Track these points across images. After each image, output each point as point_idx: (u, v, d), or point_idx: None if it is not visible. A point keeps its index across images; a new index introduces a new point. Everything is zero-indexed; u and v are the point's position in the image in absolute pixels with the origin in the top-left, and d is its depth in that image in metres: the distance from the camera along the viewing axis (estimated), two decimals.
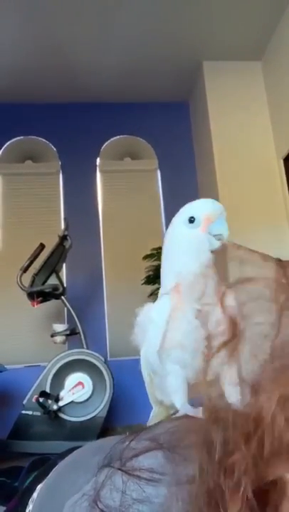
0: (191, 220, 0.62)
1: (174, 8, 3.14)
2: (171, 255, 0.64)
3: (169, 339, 0.59)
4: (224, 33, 3.42)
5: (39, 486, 0.59)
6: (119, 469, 0.31)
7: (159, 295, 0.68)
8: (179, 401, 0.57)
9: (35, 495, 0.59)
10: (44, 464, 0.79)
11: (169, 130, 4.12)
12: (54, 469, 0.56)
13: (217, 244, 0.63)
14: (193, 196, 3.33)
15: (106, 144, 4.05)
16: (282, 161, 3.43)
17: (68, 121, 4.02)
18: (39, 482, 0.63)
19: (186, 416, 0.46)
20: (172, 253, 0.64)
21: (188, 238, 0.62)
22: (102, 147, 4.04)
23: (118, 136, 4.07)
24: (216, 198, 3.48)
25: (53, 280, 3.02)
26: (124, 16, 3.17)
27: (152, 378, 0.65)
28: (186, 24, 3.31)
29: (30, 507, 0.58)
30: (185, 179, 4.02)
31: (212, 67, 3.72)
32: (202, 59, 3.69)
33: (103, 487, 0.31)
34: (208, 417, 0.31)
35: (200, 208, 0.62)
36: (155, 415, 0.67)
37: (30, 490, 0.63)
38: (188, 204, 0.66)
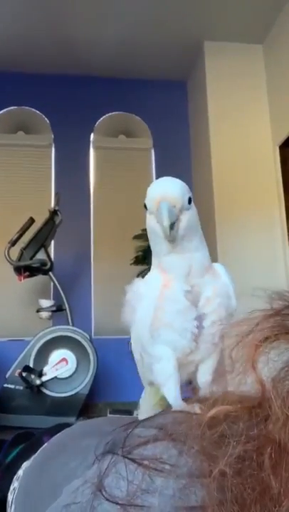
0: (145, 207, 0.60)
1: None
2: (150, 235, 0.62)
3: (159, 318, 0.58)
4: (227, 14, 3.35)
5: (25, 464, 0.59)
6: (125, 457, 0.30)
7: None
8: (172, 394, 0.55)
9: (20, 472, 0.58)
10: (28, 439, 0.78)
11: (165, 109, 4.05)
12: (41, 449, 0.55)
13: (164, 233, 0.57)
14: (187, 178, 3.31)
15: (101, 119, 3.97)
16: (278, 148, 3.41)
17: (64, 94, 3.93)
18: (24, 458, 0.62)
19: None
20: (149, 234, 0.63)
21: (148, 224, 0.61)
22: (97, 123, 3.96)
23: (114, 113, 3.99)
24: (210, 182, 3.46)
25: (41, 255, 2.99)
26: None
27: (143, 358, 0.64)
28: (188, 3, 3.22)
29: (15, 484, 0.58)
30: (179, 160, 3.98)
31: (213, 47, 3.65)
32: (203, 39, 3.61)
33: (107, 475, 0.30)
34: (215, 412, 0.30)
35: (150, 195, 0.60)
36: (147, 395, 0.66)
37: (15, 465, 0.63)
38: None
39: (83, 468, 0.33)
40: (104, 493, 0.29)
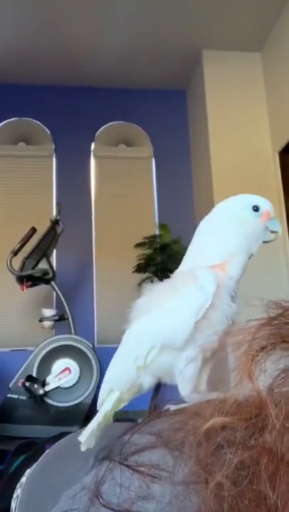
0: (255, 208, 0.63)
1: None
2: (222, 233, 0.64)
3: (207, 317, 0.55)
4: (225, 23, 3.38)
5: (27, 471, 0.59)
6: (121, 463, 0.31)
7: (194, 266, 0.64)
8: (188, 390, 0.55)
9: (23, 480, 0.58)
10: (31, 449, 0.78)
11: (165, 118, 4.08)
12: (43, 456, 0.55)
13: (272, 237, 0.64)
14: (187, 185, 3.34)
15: (101, 129, 4.00)
16: (277, 155, 3.42)
17: (64, 105, 3.97)
18: (27, 467, 0.62)
19: (183, 410, 0.45)
20: (225, 231, 0.64)
21: (249, 223, 0.63)
22: (97, 132, 3.99)
23: (114, 122, 4.02)
24: (210, 189, 3.47)
25: (43, 265, 3.00)
26: (125, 2, 3.11)
27: (150, 353, 0.58)
28: (187, 12, 3.26)
29: (18, 491, 0.58)
30: (179, 168, 4.00)
31: (211, 56, 3.69)
32: (202, 47, 3.65)
33: (104, 481, 0.30)
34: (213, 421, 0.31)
35: (264, 201, 0.65)
36: (116, 400, 0.61)
37: (18, 474, 0.63)
38: (247, 194, 0.67)
39: (83, 473, 0.33)
40: (100, 499, 0.29)
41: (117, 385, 0.59)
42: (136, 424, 0.37)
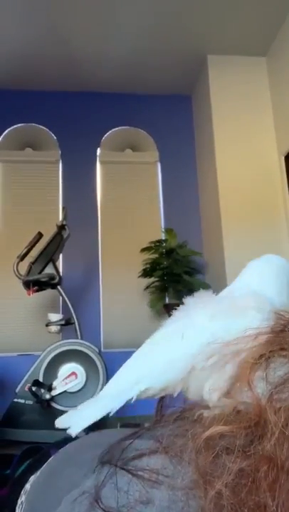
0: None
1: (181, 2, 3.11)
2: (273, 288, 0.60)
3: None
4: (230, 28, 3.39)
5: (32, 477, 0.59)
6: (122, 468, 0.31)
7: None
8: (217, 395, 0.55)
9: (28, 486, 0.59)
10: (37, 453, 0.79)
11: (170, 123, 4.09)
12: (47, 462, 0.56)
13: None
14: (193, 190, 3.34)
15: (107, 134, 4.02)
16: (283, 158, 3.42)
17: (70, 110, 3.99)
18: (32, 472, 0.63)
19: (184, 416, 0.45)
20: (277, 287, 0.61)
21: None
22: (103, 138, 4.01)
23: (119, 127, 4.04)
24: (216, 193, 3.47)
25: (49, 269, 3.01)
26: (129, 7, 3.14)
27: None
28: (191, 17, 3.28)
29: (22, 498, 0.58)
30: (185, 173, 4.01)
31: (216, 61, 3.69)
32: (207, 53, 3.66)
33: (104, 486, 0.30)
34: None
35: None
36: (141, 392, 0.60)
37: (23, 479, 0.63)
38: None
39: (86, 479, 0.34)
40: (100, 504, 0.29)
41: (155, 381, 0.56)
42: (137, 430, 0.37)
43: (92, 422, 0.50)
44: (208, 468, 0.28)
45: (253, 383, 0.31)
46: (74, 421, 0.53)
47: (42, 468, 0.57)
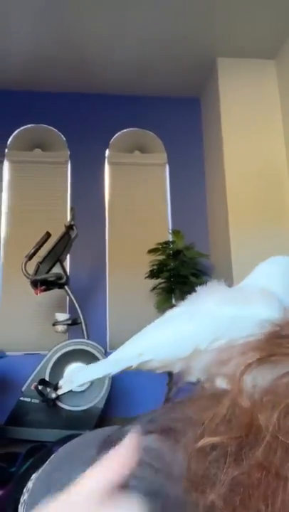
0: None
1: (190, 4, 3.11)
2: (280, 287, 0.63)
3: None
4: (239, 31, 3.39)
5: (34, 475, 0.60)
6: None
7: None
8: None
9: (30, 485, 0.60)
10: (40, 451, 0.79)
11: (179, 125, 4.10)
12: (49, 460, 0.57)
13: None
14: (201, 192, 3.33)
15: (116, 135, 4.04)
16: None
17: (79, 112, 4.01)
18: (34, 470, 0.64)
19: (178, 404, 0.45)
20: (283, 287, 0.63)
21: None
22: (112, 139, 4.03)
23: (128, 129, 4.05)
24: (224, 196, 3.47)
25: (57, 269, 3.03)
26: (139, 10, 3.15)
27: (214, 343, 0.58)
28: (201, 20, 3.28)
29: (25, 496, 0.59)
30: (193, 175, 4.01)
31: (226, 64, 3.69)
32: (216, 55, 3.66)
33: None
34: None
35: None
36: (142, 363, 0.62)
37: (25, 477, 0.64)
38: None
39: None
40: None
41: (158, 354, 0.58)
42: (137, 417, 0.37)
43: (92, 379, 0.52)
44: (200, 480, 0.28)
45: (244, 389, 0.31)
46: (76, 376, 0.56)
47: (43, 466, 0.58)
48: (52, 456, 0.59)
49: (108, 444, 0.33)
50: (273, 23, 3.32)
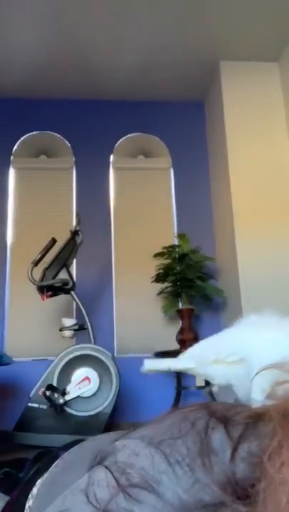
0: None
1: (193, 9, 3.13)
2: None
3: None
4: (242, 34, 3.40)
5: (39, 481, 0.60)
6: (108, 468, 0.32)
7: None
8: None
9: (35, 490, 0.60)
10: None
11: (183, 129, 4.11)
12: (53, 466, 0.57)
13: None
14: (206, 196, 3.34)
15: (120, 141, 4.05)
16: None
17: (83, 118, 4.04)
18: (39, 475, 0.64)
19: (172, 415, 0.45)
20: None
21: None
22: (116, 144, 4.04)
23: (132, 134, 4.07)
24: (229, 199, 3.47)
25: (63, 275, 3.04)
26: (142, 16, 3.17)
27: None
28: (203, 24, 3.30)
29: (30, 502, 0.59)
30: (198, 179, 4.02)
31: (229, 67, 3.70)
32: (219, 59, 3.67)
33: (92, 483, 0.32)
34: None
35: None
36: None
37: (31, 482, 0.64)
38: None
39: None
40: (89, 499, 0.31)
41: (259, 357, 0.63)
42: (128, 431, 0.38)
43: (160, 369, 0.58)
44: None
45: None
46: (150, 363, 0.62)
47: (47, 472, 0.59)
48: (56, 462, 0.59)
49: (98, 460, 0.34)
50: (275, 25, 3.33)
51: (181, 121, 4.12)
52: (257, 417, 0.31)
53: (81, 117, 4.04)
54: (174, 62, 3.68)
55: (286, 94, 3.60)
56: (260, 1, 3.11)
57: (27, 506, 0.59)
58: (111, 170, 4.01)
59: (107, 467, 0.32)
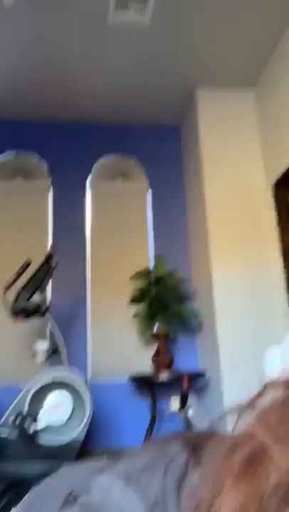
0: None
1: (169, 36, 3.21)
2: None
3: None
4: (218, 61, 3.50)
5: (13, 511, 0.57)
6: (82, 508, 0.30)
7: None
8: None
9: None
10: (19, 487, 0.76)
11: (161, 152, 4.16)
12: (24, 498, 0.54)
13: None
14: (182, 218, 3.38)
15: (97, 163, 4.07)
16: (271, 188, 3.47)
17: (61, 139, 4.05)
18: (13, 505, 0.60)
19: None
20: None
21: None
22: (94, 166, 4.06)
23: (110, 156, 4.10)
24: (204, 222, 3.50)
25: (37, 297, 2.98)
26: (120, 40, 3.23)
27: None
28: (180, 51, 3.38)
29: None
30: (174, 201, 4.05)
31: (205, 93, 3.79)
32: (195, 85, 3.76)
33: None
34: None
35: None
36: None
37: None
38: None
39: None
40: None
41: None
42: (104, 465, 0.36)
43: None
44: None
45: None
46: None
47: (19, 504, 0.55)
48: (27, 494, 0.56)
49: (72, 499, 0.32)
50: (252, 53, 3.44)
51: (159, 144, 4.18)
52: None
53: (59, 138, 4.04)
54: (151, 88, 3.75)
55: (261, 121, 3.70)
56: (237, 27, 3.22)
57: None
58: (88, 192, 4.00)
59: (81, 506, 0.30)
